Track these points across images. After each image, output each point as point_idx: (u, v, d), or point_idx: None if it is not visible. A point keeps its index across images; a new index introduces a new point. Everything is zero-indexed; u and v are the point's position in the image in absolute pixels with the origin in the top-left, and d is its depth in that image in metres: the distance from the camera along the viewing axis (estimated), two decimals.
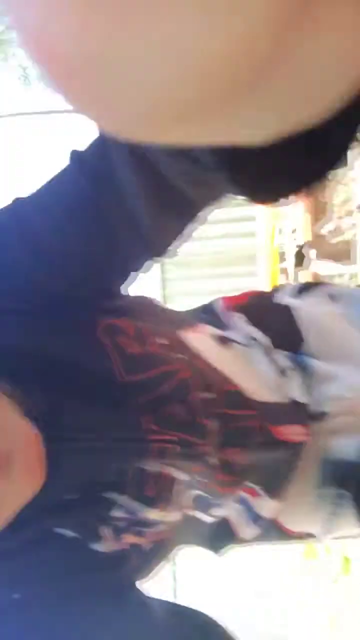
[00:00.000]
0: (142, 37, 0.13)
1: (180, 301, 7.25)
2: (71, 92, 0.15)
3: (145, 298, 0.70)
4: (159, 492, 0.57)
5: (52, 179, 0.54)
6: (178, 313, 0.79)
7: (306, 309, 0.80)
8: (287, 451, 0.68)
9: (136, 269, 0.60)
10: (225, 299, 0.80)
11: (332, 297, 0.82)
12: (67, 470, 0.50)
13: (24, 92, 5.41)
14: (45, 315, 0.55)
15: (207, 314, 0.78)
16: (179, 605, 0.60)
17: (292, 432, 0.69)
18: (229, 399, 0.64)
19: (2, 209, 0.55)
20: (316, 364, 0.75)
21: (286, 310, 0.79)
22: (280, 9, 0.13)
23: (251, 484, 0.68)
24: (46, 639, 0.50)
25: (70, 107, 0.16)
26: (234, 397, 0.65)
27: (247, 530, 0.70)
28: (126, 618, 0.54)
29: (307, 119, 0.18)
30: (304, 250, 3.03)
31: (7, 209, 0.55)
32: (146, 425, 0.56)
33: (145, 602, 0.56)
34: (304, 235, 2.91)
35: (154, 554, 0.61)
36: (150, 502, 0.57)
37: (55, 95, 0.17)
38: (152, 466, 0.56)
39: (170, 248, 0.57)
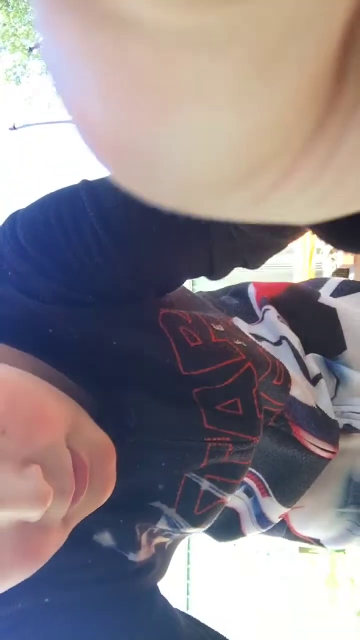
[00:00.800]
0: (182, 127, 0.13)
1: None
2: (118, 173, 0.16)
3: (181, 287, 0.65)
4: (206, 513, 0.54)
5: None
6: (212, 299, 0.73)
7: (353, 313, 0.73)
8: (305, 459, 0.64)
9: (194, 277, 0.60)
10: (259, 287, 0.74)
11: None
12: (125, 473, 0.47)
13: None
14: (110, 308, 0.53)
15: (239, 300, 0.73)
16: (197, 619, 0.58)
17: (318, 445, 0.64)
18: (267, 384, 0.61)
19: (71, 190, 0.51)
20: (354, 375, 0.70)
21: (332, 314, 0.73)
22: (315, 89, 0.13)
23: (258, 473, 0.64)
24: None
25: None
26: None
27: (253, 529, 0.67)
28: (154, 625, 0.52)
29: None
30: (342, 272, 2.98)
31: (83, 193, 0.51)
32: (204, 425, 0.52)
33: (169, 609, 0.54)
34: (344, 256, 2.86)
35: (172, 550, 0.59)
36: (196, 521, 0.54)
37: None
38: (203, 482, 0.53)
39: (228, 272, 0.59)
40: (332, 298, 0.76)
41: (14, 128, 3.22)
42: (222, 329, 0.59)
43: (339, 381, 0.71)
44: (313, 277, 3.07)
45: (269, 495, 0.65)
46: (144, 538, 0.53)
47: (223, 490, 0.55)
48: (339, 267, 3.03)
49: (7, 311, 0.51)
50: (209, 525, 0.56)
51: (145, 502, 0.52)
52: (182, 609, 0.58)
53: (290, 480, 0.66)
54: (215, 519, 0.56)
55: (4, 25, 4.97)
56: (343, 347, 0.71)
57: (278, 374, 0.61)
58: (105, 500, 0.43)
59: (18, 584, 0.42)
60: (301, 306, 0.73)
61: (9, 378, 0.41)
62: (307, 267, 2.99)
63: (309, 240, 3.00)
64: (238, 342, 0.58)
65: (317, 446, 0.64)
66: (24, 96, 5.40)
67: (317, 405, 0.66)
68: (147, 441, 0.51)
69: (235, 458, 0.55)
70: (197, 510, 0.54)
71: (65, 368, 0.49)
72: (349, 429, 0.69)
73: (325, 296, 0.76)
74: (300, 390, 0.65)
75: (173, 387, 0.52)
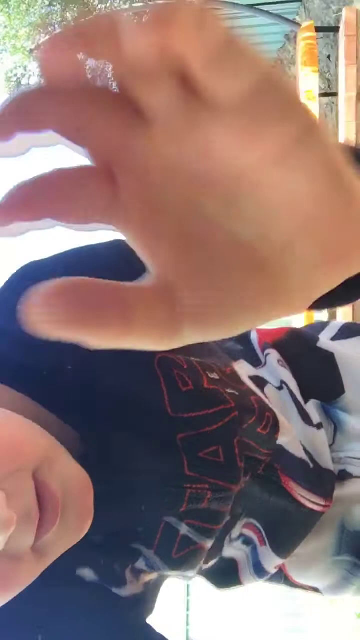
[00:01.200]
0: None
1: None
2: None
3: None
4: (184, 557, 0.54)
5: None
6: (220, 344, 0.74)
7: (351, 357, 0.74)
8: (296, 511, 0.64)
9: None
10: (260, 332, 0.75)
11: None
12: (102, 513, 0.47)
13: None
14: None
15: (243, 345, 0.74)
16: None
17: (308, 498, 0.64)
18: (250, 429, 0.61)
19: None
20: (351, 421, 0.70)
21: (330, 358, 0.74)
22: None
23: (254, 521, 0.64)
24: None
25: None
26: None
27: (250, 578, 0.67)
28: None
29: None
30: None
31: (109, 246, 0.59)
32: (185, 471, 0.54)
33: None
34: None
35: (159, 585, 0.59)
36: (173, 564, 0.54)
37: None
38: (182, 526, 0.54)
39: None
40: (330, 342, 0.77)
41: None
42: (216, 377, 0.60)
43: (337, 427, 0.72)
44: None
45: (265, 544, 0.65)
46: (128, 574, 0.53)
47: (202, 535, 0.55)
48: None
49: (3, 350, 0.54)
50: (189, 569, 0.56)
51: (124, 543, 0.53)
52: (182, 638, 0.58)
53: (284, 530, 0.65)
54: (196, 563, 0.56)
55: (5, 27, 4.98)
56: (341, 391, 0.71)
57: (264, 422, 0.61)
58: (82, 534, 0.43)
59: (8, 627, 0.44)
60: (300, 350, 0.74)
61: None
62: None
63: None
64: (229, 391, 0.59)
65: (307, 499, 0.64)
66: None
67: (309, 456, 0.66)
68: (129, 482, 0.52)
69: (214, 505, 0.55)
70: (175, 553, 0.54)
71: (52, 406, 0.51)
72: (343, 475, 0.69)
73: (324, 340, 0.77)
74: (289, 438, 0.65)
75: (159, 429, 0.54)
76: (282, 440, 0.63)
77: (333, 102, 4.85)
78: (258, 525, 0.64)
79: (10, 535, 0.36)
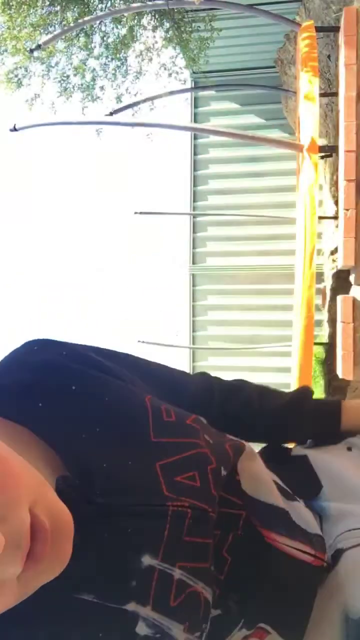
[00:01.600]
0: None
1: (209, 315, 7.26)
2: None
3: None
4: (182, 603, 0.55)
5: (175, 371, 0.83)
6: None
7: (321, 455, 0.83)
8: (288, 567, 0.65)
9: None
10: None
11: (349, 448, 0.85)
12: (94, 543, 0.52)
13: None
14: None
15: None
16: None
17: (293, 546, 0.66)
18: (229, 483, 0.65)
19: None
20: (331, 506, 0.75)
21: (304, 459, 0.83)
22: None
23: (263, 625, 0.64)
24: None
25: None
26: (233, 483, 0.66)
27: None
28: None
29: None
30: (342, 273, 2.98)
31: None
32: (164, 491, 0.57)
33: None
34: (345, 259, 2.85)
35: None
36: (174, 614, 0.54)
37: None
38: (175, 571, 0.56)
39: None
40: (300, 447, 0.88)
41: (15, 129, 3.22)
42: (198, 425, 0.67)
43: (322, 518, 0.76)
44: (313, 278, 3.06)
45: (270, 633, 0.64)
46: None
47: (196, 578, 0.56)
48: (339, 268, 3.03)
49: (6, 383, 0.62)
50: (192, 622, 0.56)
51: (119, 604, 0.53)
52: None
53: (286, 603, 0.65)
54: (198, 614, 0.56)
55: (7, 28, 4.97)
56: (319, 486, 0.78)
57: (224, 464, 0.64)
58: (61, 568, 0.45)
59: None
60: (279, 460, 0.84)
61: None
62: (307, 268, 2.99)
63: (309, 241, 3.00)
64: (206, 437, 0.66)
65: (293, 547, 0.66)
66: (24, 98, 5.38)
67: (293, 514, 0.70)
68: (114, 504, 0.55)
69: (194, 532, 0.57)
70: (173, 600, 0.54)
71: (47, 436, 0.58)
72: (337, 555, 0.69)
73: (295, 448, 0.88)
74: (264, 488, 0.68)
75: (141, 453, 0.60)
76: (255, 491, 0.67)
77: (333, 102, 4.84)
78: (260, 624, 0.64)
79: None
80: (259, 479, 0.69)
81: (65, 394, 0.62)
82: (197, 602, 0.56)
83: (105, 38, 5.56)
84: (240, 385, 0.87)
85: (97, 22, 5.32)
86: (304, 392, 0.89)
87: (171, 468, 0.59)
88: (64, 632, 0.52)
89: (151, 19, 5.63)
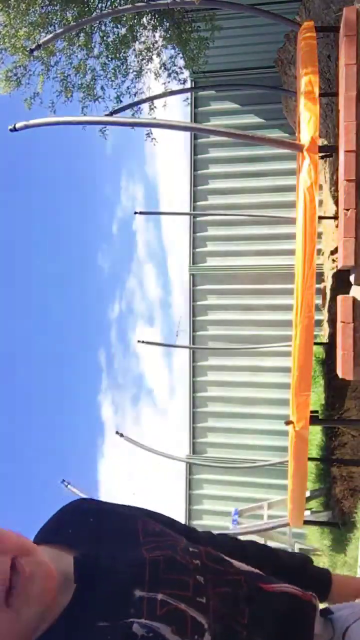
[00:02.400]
0: None
1: (209, 315, 7.26)
2: None
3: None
4: (167, 614, 0.78)
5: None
6: None
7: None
8: (279, 598, 0.91)
9: None
10: None
11: None
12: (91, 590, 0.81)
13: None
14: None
15: None
16: None
17: (284, 585, 0.93)
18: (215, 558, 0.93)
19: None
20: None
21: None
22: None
23: None
24: None
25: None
26: (223, 562, 0.93)
27: None
28: None
29: None
30: (342, 273, 2.98)
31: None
32: (146, 555, 0.86)
33: None
34: (345, 259, 2.85)
35: None
36: (161, 620, 0.77)
37: None
38: (158, 595, 0.80)
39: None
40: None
41: (15, 129, 3.22)
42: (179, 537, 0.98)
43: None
44: (313, 278, 3.06)
45: None
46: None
47: (175, 599, 0.80)
48: (339, 268, 3.03)
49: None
50: (175, 625, 0.77)
51: (124, 620, 0.77)
52: None
53: (292, 628, 0.90)
54: (180, 621, 0.78)
55: (5, 26, 4.97)
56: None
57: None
58: (45, 600, 0.78)
59: None
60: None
61: None
62: (307, 268, 2.99)
63: (309, 241, 3.00)
64: (192, 549, 0.92)
65: (280, 588, 0.93)
66: (24, 97, 5.37)
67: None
68: (106, 566, 0.83)
69: (174, 572, 0.84)
70: (159, 611, 0.78)
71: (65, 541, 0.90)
72: (345, 631, 0.98)
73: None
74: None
75: (132, 548, 0.87)
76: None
77: (333, 102, 4.84)
78: None
79: None
80: None
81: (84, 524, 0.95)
82: (181, 615, 0.79)
83: (105, 37, 5.55)
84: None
85: (97, 21, 5.31)
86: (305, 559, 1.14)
87: (153, 546, 0.89)
88: None
89: (151, 19, 5.62)
